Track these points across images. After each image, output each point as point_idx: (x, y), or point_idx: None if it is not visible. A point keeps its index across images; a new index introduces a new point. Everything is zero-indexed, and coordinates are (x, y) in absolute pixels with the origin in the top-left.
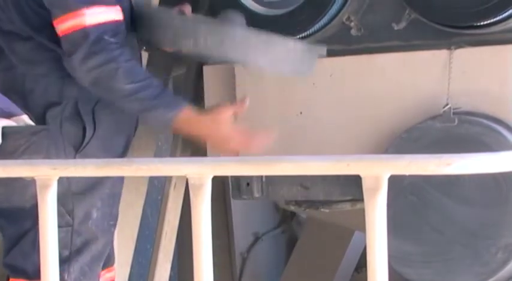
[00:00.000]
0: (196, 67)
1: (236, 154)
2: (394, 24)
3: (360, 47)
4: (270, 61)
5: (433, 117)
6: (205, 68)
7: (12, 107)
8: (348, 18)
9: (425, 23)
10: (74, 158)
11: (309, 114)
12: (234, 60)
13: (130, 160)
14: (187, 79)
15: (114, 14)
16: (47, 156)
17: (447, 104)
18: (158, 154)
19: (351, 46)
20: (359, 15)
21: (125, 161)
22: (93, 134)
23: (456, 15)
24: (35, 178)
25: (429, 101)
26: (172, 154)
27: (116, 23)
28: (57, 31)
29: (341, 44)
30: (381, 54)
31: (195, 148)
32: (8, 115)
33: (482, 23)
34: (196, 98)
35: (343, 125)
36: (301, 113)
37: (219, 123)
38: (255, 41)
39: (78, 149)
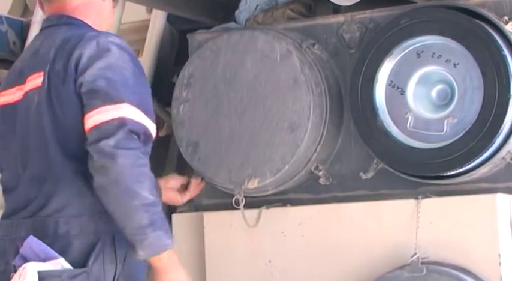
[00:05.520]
0: (165, 215)
1: None
2: (361, 174)
3: (328, 196)
4: None
5: (402, 267)
6: (174, 216)
7: (47, 250)
8: (317, 168)
9: (392, 173)
10: None
11: (278, 263)
12: None
13: None
14: None
15: (152, 127)
16: None
17: (415, 254)
18: None
19: (320, 195)
20: (327, 165)
21: None
22: (122, 269)
23: (422, 166)
24: None
25: (397, 251)
26: None
27: (150, 135)
28: (87, 125)
29: (310, 193)
30: (349, 203)
31: None
32: (44, 259)
33: (447, 174)
34: None
35: (311, 274)
36: (270, 261)
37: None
38: None
39: None
